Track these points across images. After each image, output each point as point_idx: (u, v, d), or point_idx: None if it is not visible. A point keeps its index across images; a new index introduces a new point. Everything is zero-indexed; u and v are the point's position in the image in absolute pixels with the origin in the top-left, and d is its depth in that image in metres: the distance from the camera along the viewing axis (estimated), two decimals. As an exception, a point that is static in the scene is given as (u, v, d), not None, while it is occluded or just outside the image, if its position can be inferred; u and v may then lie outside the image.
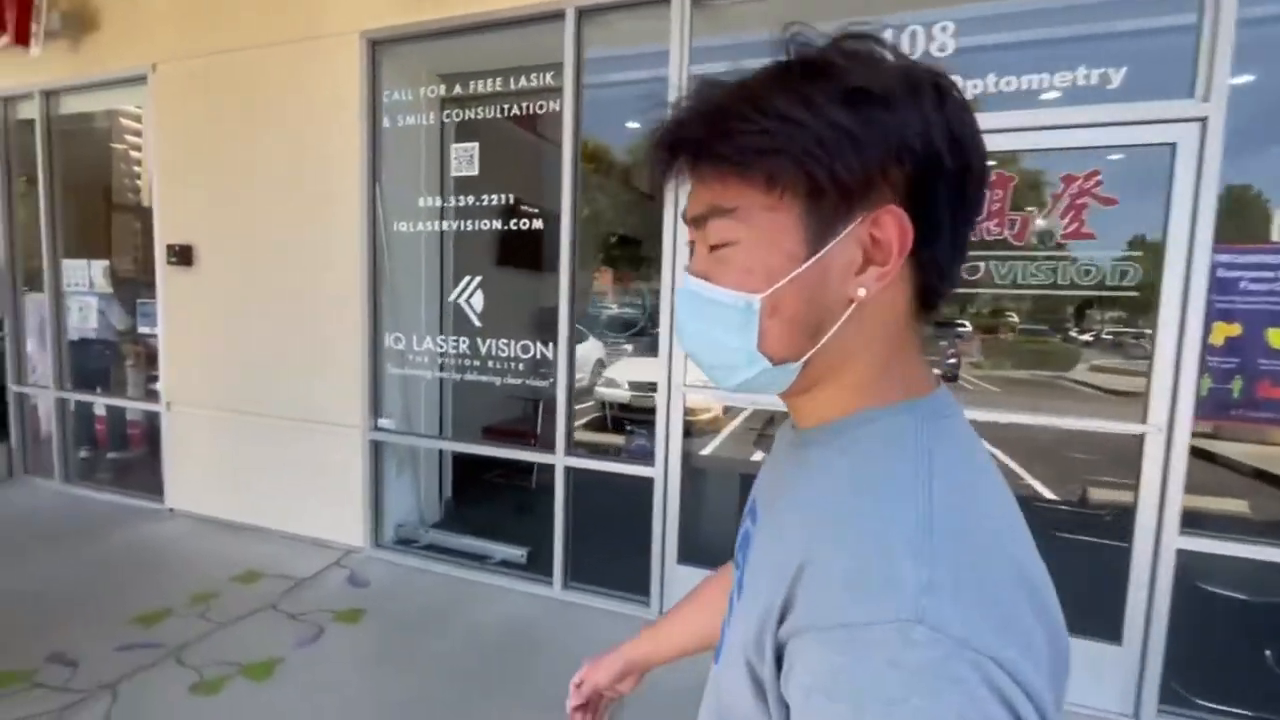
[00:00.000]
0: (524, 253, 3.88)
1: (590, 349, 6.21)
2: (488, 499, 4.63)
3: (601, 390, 6.24)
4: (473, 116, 3.33)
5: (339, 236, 3.53)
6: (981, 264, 2.48)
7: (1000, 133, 2.40)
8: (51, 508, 4.28)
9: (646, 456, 3.07)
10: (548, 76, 3.09)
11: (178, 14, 3.87)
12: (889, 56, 0.44)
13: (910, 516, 0.40)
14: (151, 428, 5.35)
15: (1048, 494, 4.79)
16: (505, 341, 3.36)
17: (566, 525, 3.20)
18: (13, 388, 4.75)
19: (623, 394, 6.90)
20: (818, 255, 0.44)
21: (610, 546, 3.31)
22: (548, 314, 3.28)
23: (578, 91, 3.01)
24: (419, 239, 3.70)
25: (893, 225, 0.43)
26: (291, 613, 2.96)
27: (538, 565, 3.39)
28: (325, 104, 3.51)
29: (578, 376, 4.98)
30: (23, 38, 3.97)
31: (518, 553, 3.50)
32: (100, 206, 6.83)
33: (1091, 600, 2.46)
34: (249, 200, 3.77)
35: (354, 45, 3.40)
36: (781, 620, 0.43)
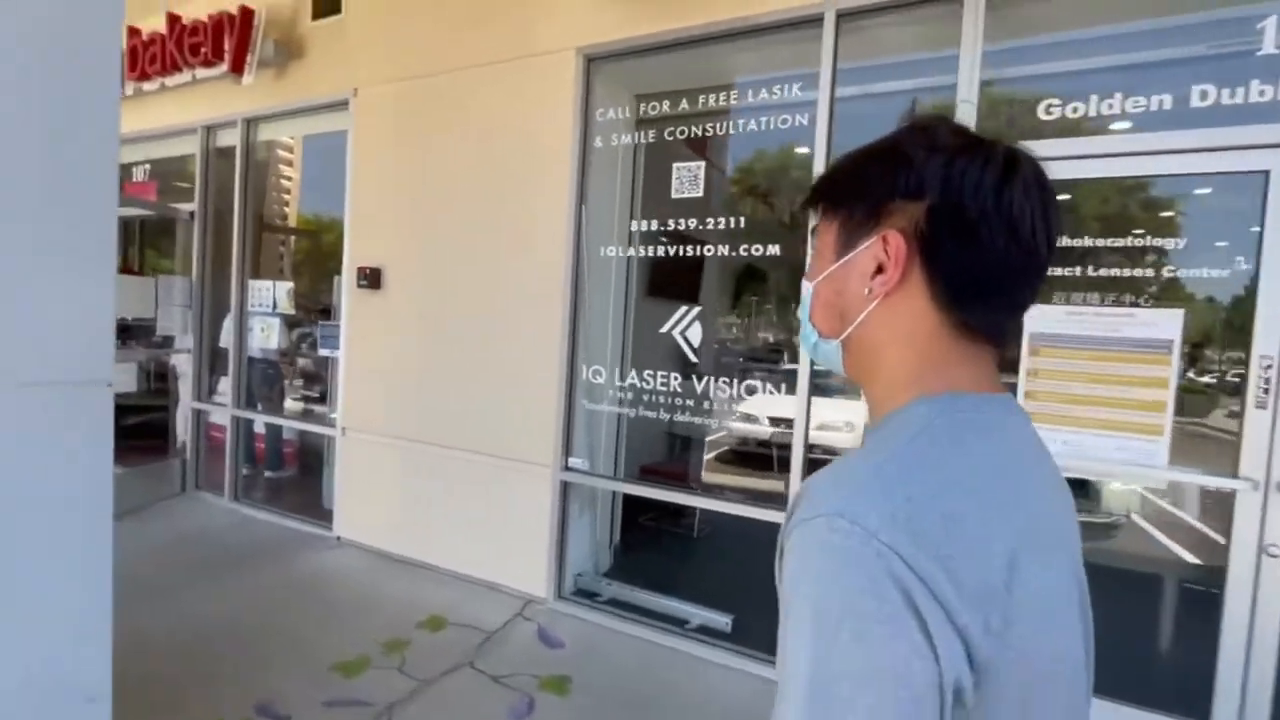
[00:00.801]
0: (739, 283, 3.56)
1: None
2: (651, 547, 4.27)
3: (738, 426, 6.18)
4: (696, 134, 3.06)
5: (542, 261, 3.32)
6: None
7: None
8: (224, 527, 4.25)
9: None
10: (795, 88, 2.78)
11: (383, 38, 3.87)
12: (947, 130, 0.58)
13: (876, 456, 0.52)
14: (304, 448, 5.37)
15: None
16: (725, 380, 3.01)
17: (795, 596, 2.75)
18: (193, 404, 4.85)
19: (763, 430, 6.48)
20: (842, 260, 0.61)
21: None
22: (761, 351, 2.91)
23: (832, 105, 2.68)
24: (611, 265, 3.45)
25: (893, 244, 0.56)
26: (493, 675, 2.66)
27: (745, 636, 2.97)
28: (535, 124, 3.35)
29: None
30: (239, 66, 4.09)
31: (722, 620, 3.09)
32: (260, 229, 7.18)
33: None
34: (445, 224, 3.65)
35: (570, 62, 3.23)
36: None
